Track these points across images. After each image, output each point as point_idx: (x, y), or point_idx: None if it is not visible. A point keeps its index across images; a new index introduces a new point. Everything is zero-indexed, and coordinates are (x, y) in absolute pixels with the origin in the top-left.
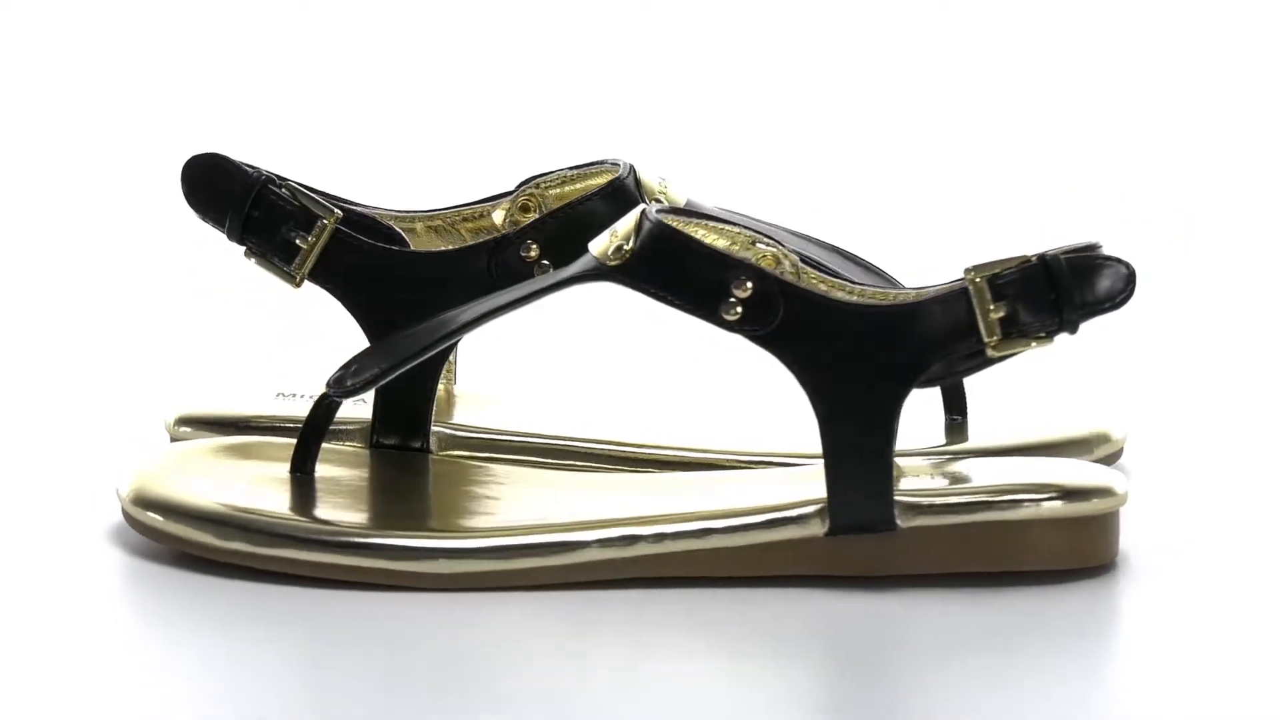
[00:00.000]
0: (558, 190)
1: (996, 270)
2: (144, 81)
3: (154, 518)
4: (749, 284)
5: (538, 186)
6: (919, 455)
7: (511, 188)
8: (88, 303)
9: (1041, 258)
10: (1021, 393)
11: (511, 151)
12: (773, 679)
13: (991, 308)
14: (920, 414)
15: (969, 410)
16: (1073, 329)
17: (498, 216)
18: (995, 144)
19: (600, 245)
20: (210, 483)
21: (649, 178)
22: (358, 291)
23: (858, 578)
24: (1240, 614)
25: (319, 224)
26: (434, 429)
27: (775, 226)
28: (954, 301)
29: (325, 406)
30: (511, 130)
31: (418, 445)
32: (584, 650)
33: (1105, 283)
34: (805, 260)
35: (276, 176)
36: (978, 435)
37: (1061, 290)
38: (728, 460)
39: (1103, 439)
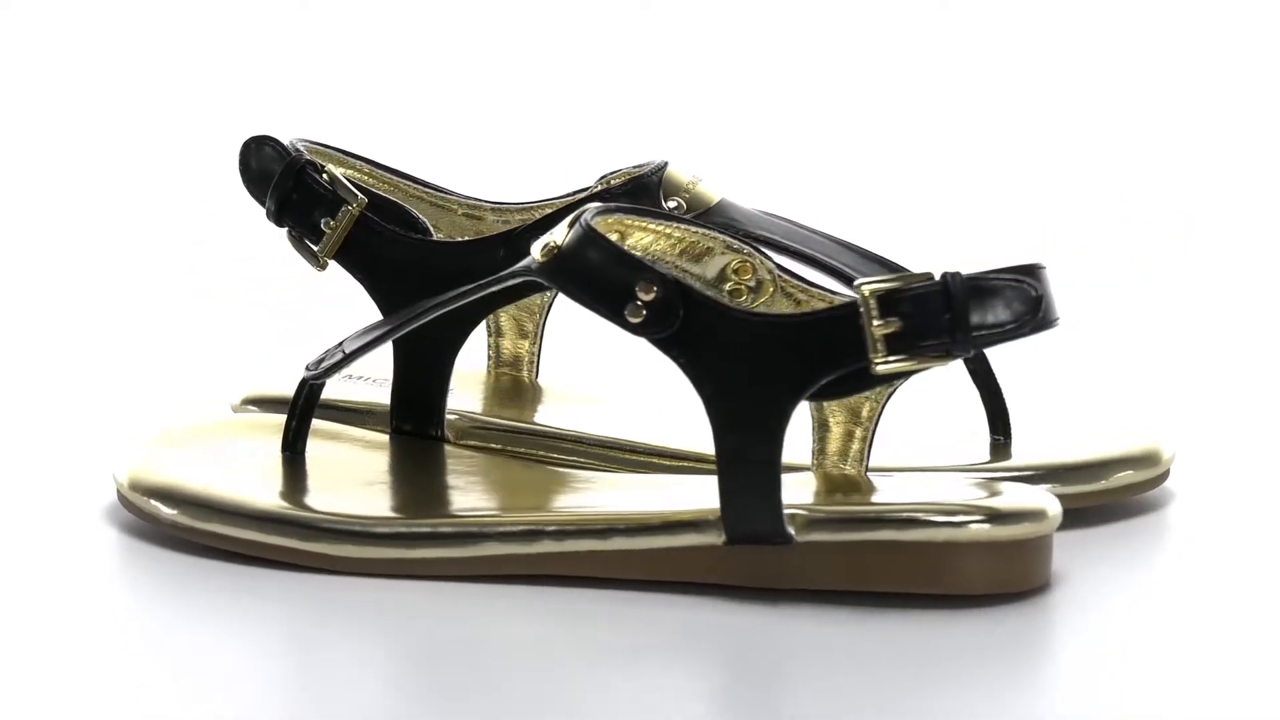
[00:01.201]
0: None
1: (896, 285)
2: (240, 79)
3: (126, 489)
4: (653, 287)
5: (609, 183)
6: (956, 471)
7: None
8: (155, 290)
9: (944, 275)
10: (1070, 412)
11: (626, 145)
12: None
13: (879, 323)
14: (964, 433)
15: (1013, 430)
16: (965, 351)
17: None
18: (994, 144)
19: (538, 244)
20: (181, 462)
21: (679, 173)
22: (378, 278)
23: (761, 589)
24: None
25: (344, 209)
26: (455, 417)
27: (812, 231)
28: (846, 315)
29: (307, 388)
30: (624, 126)
31: (434, 433)
32: (465, 644)
33: (1005, 307)
34: (789, 269)
35: (322, 149)
36: (1022, 455)
37: (956, 311)
38: None
39: (1151, 458)
